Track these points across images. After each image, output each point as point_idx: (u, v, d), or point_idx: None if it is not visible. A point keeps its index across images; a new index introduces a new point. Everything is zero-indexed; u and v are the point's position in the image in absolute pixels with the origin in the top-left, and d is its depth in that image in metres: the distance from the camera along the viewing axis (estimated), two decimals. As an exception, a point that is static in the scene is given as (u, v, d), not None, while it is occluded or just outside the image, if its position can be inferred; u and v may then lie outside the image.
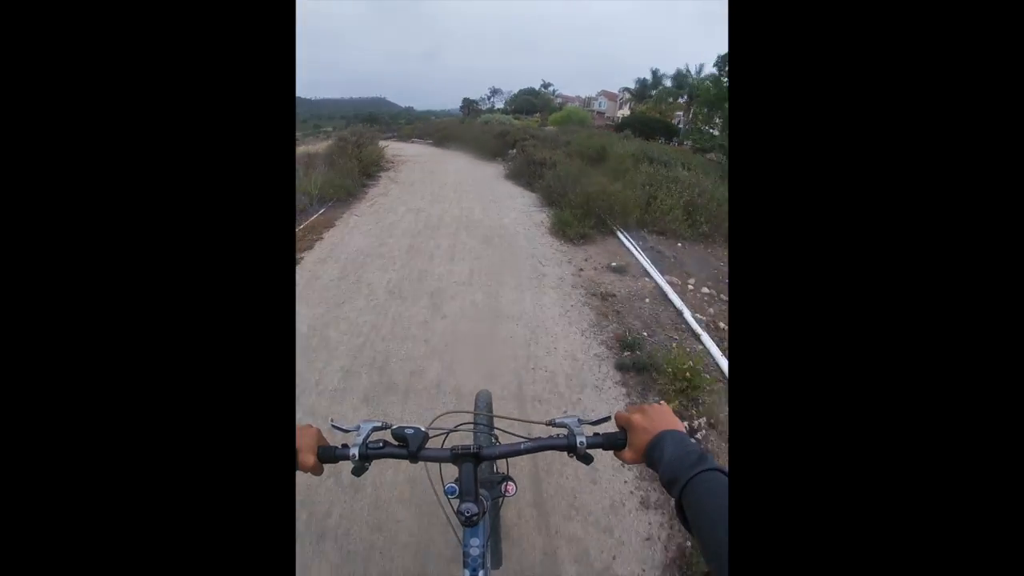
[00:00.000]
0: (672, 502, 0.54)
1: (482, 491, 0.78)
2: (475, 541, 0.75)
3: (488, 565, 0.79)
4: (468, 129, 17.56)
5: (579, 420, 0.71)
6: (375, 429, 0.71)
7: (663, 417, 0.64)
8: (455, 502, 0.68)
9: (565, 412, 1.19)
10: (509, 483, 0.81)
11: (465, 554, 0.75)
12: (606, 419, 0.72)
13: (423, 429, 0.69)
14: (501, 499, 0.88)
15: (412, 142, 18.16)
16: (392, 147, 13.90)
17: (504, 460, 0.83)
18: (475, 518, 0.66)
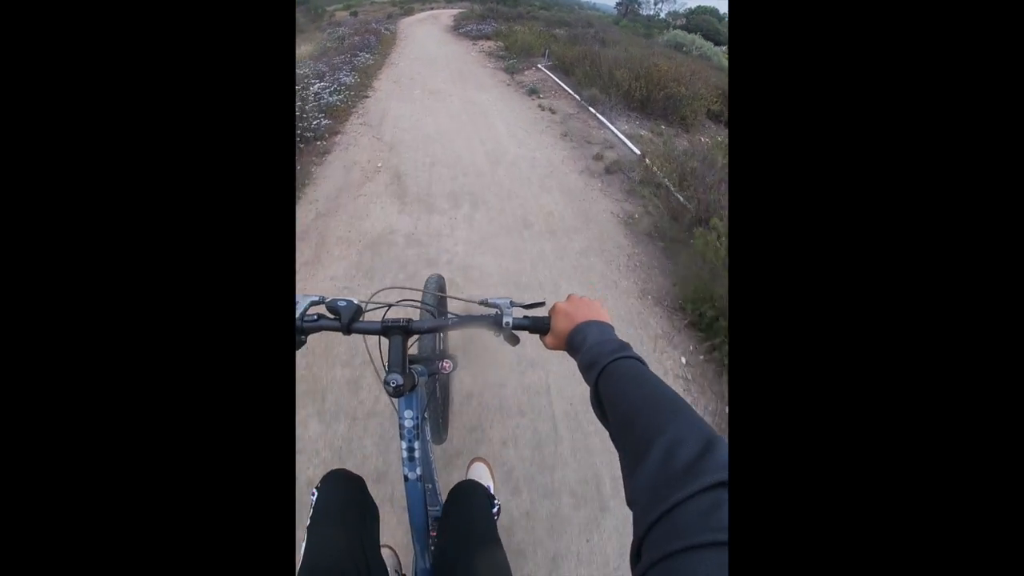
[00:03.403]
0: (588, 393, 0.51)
1: (417, 367, 0.80)
2: (408, 413, 0.75)
3: (426, 438, 0.83)
4: (644, 61, 6.16)
5: (511, 302, 0.70)
6: (312, 303, 0.68)
7: (591, 309, 0.61)
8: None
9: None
10: (446, 361, 0.81)
11: (400, 426, 0.76)
12: (539, 304, 0.71)
13: (356, 302, 0.68)
14: (437, 375, 0.95)
15: (536, 68, 6.78)
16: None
17: (444, 337, 1.07)
18: (400, 388, 0.67)
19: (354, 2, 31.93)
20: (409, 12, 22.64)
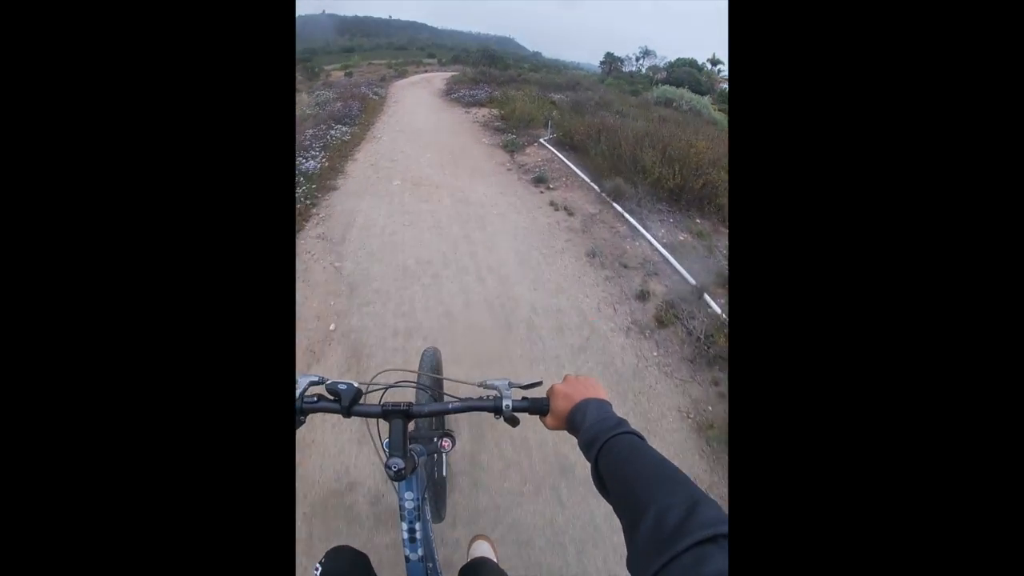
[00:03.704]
0: (589, 468, 0.52)
1: (417, 446, 0.80)
2: (409, 495, 0.74)
3: (426, 518, 0.79)
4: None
5: (509, 383, 0.69)
6: (312, 384, 0.68)
7: (588, 387, 0.62)
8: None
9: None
10: (445, 439, 0.80)
11: (401, 507, 0.74)
12: (537, 384, 0.71)
13: (356, 385, 0.67)
14: (437, 455, 0.96)
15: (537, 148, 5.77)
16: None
17: (443, 417, 0.95)
18: (402, 472, 0.66)
19: (352, 63, 32.55)
20: (403, 74, 22.75)
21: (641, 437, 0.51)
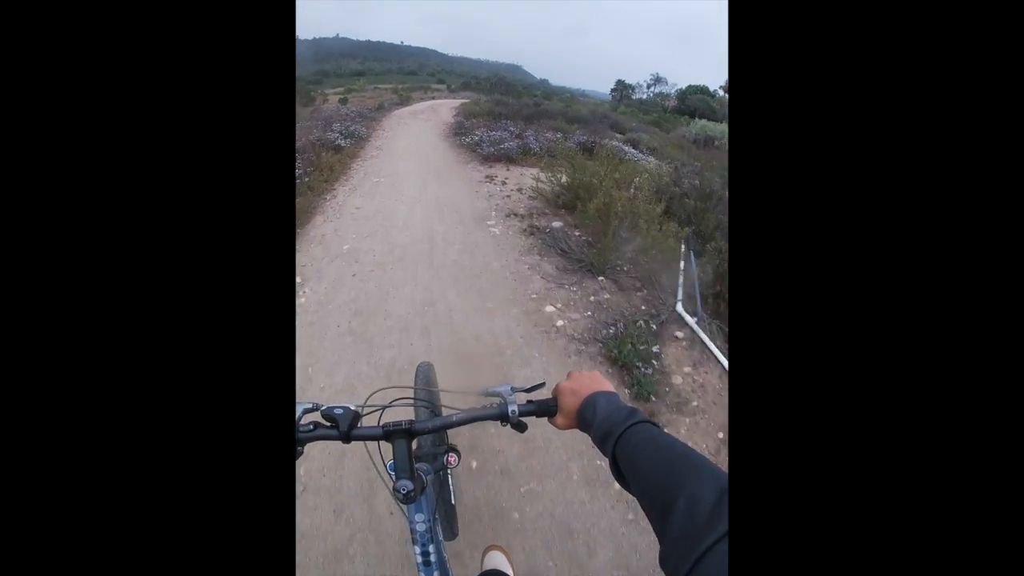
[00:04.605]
0: (607, 462, 0.51)
1: (422, 465, 0.77)
2: (419, 517, 0.71)
3: (439, 539, 0.76)
4: None
5: (512, 388, 0.67)
6: (307, 411, 0.65)
7: (593, 381, 0.60)
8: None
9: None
10: (451, 454, 0.77)
11: (412, 531, 0.71)
12: (540, 385, 0.69)
13: (352, 408, 0.64)
14: (444, 471, 0.88)
15: None
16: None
17: (445, 432, 0.96)
18: (412, 494, 0.63)
19: (356, 87, 29.55)
20: (406, 101, 19.41)
21: (657, 425, 0.49)
